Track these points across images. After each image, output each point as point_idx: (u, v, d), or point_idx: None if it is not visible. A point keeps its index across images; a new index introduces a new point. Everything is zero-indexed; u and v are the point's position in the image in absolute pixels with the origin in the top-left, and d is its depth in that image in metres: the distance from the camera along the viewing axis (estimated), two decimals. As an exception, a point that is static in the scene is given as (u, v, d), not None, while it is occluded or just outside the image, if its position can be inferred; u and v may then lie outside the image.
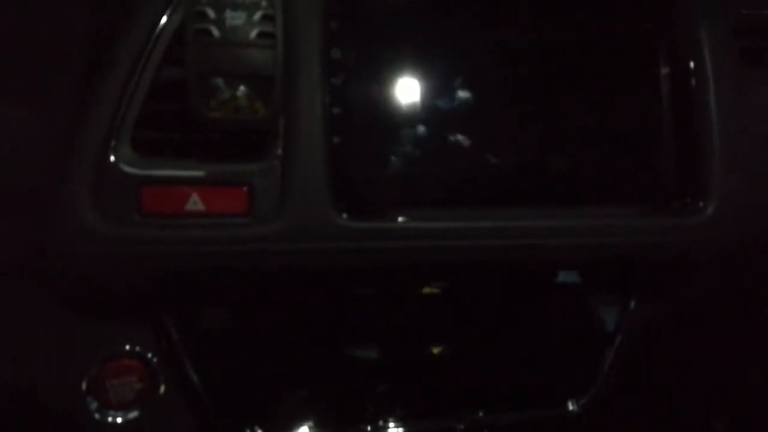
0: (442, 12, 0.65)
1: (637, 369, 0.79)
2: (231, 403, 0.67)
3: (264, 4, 0.54)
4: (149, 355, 0.63)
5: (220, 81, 0.53)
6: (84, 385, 0.62)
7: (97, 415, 0.63)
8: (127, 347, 0.63)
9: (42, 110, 0.55)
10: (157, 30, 0.55)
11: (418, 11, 0.65)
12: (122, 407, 0.64)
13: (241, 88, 0.54)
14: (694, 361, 0.83)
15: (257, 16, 0.54)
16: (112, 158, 0.55)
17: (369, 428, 0.71)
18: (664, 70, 0.69)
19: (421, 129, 0.63)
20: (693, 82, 0.68)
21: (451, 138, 0.64)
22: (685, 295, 0.76)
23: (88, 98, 0.55)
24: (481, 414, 0.74)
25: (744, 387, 0.89)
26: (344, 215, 0.59)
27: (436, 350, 0.74)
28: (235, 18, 0.53)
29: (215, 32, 0.53)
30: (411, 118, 0.63)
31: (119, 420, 0.64)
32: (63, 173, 0.54)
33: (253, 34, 0.53)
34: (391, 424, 0.72)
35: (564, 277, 0.74)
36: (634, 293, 0.75)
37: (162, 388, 0.65)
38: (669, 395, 0.86)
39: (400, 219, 0.61)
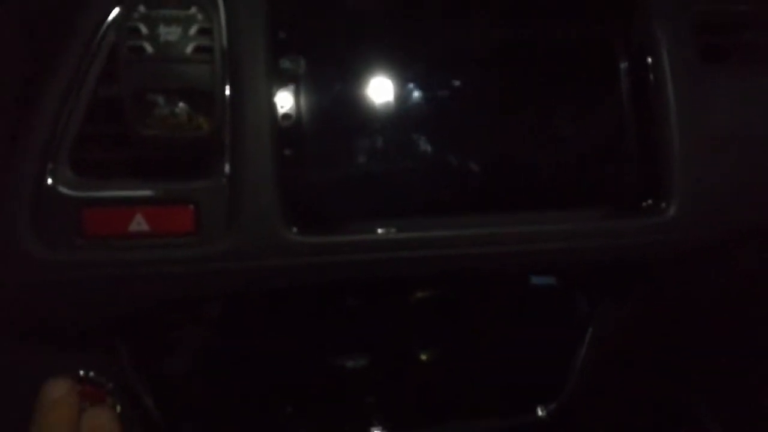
0: (394, 18, 0.63)
1: (607, 373, 0.78)
2: (186, 426, 0.66)
3: (200, 17, 0.52)
4: (102, 380, 0.62)
5: (157, 98, 0.51)
6: None
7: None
8: (81, 373, 0.62)
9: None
10: (92, 48, 0.54)
11: (371, 17, 0.63)
12: (75, 434, 0.62)
13: (180, 104, 0.52)
14: (664, 362, 0.82)
15: (193, 30, 0.52)
16: (50, 181, 0.53)
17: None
18: (622, 70, 0.67)
19: (374, 139, 0.61)
20: (652, 80, 0.66)
21: (406, 147, 0.62)
22: (652, 295, 0.75)
23: (23, 119, 0.53)
24: (448, 422, 0.73)
25: (716, 386, 0.89)
26: (294, 230, 0.57)
27: (402, 360, 0.73)
28: (169, 33, 0.51)
29: (149, 48, 0.51)
30: (364, 128, 0.61)
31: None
32: (-2, 198, 0.53)
33: (189, 49, 0.51)
34: (356, 439, 0.71)
35: (531, 282, 0.73)
36: (601, 296, 0.74)
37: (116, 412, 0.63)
38: (640, 398, 0.85)
39: (353, 232, 0.59)
